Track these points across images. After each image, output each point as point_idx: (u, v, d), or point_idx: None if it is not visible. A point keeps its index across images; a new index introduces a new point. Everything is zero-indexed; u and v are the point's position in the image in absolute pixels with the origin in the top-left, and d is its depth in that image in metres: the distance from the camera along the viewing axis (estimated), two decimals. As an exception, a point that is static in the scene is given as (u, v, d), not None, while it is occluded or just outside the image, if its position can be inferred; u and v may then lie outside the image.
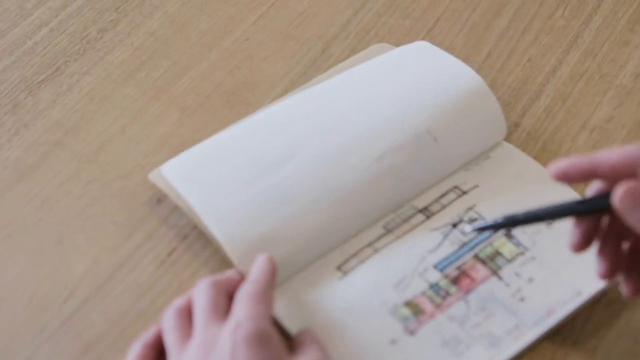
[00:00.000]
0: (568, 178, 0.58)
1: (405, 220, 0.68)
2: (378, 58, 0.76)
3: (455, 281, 0.65)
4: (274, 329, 0.57)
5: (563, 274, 0.65)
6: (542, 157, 0.74)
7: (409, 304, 0.64)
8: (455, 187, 0.70)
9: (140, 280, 0.67)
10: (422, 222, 0.68)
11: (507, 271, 0.65)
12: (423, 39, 0.82)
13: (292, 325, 0.63)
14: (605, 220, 0.59)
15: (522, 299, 0.64)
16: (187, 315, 0.60)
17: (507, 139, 0.75)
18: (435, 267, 0.66)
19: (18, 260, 0.69)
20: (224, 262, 0.67)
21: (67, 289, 0.67)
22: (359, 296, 0.64)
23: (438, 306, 0.63)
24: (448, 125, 0.71)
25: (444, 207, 0.69)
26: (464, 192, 0.70)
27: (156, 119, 0.79)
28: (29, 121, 0.79)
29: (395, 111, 0.71)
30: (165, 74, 0.81)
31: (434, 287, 0.65)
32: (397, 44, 0.80)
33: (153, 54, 0.83)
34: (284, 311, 0.64)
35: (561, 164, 0.58)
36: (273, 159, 0.68)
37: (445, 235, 0.67)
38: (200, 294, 0.60)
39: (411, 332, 0.62)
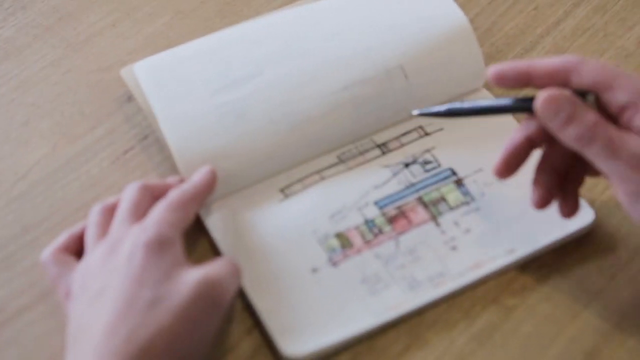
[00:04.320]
0: (505, 81, 0.58)
1: (361, 153, 0.68)
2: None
3: (391, 220, 0.64)
4: (180, 238, 0.57)
5: (502, 230, 0.63)
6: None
7: (339, 235, 0.63)
8: (420, 127, 0.69)
9: (91, 173, 0.69)
10: (377, 157, 0.68)
11: (446, 218, 0.64)
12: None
13: (221, 240, 0.64)
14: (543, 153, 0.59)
15: (453, 248, 0.63)
16: (111, 214, 0.61)
17: (489, 87, 0.73)
18: (376, 203, 0.65)
19: (-17, 135, 0.71)
20: (174, 169, 0.67)
21: (22, 171, 0.69)
22: (293, 220, 0.64)
23: (368, 242, 0.63)
24: (422, 64, 0.69)
25: (402, 145, 0.68)
26: (427, 134, 0.69)
27: (149, 17, 0.79)
28: (27, 3, 0.80)
29: (369, 42, 0.69)
30: (167, -26, 0.81)
31: (368, 223, 0.64)
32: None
33: (158, -48, 0.83)
34: (217, 225, 0.64)
35: (499, 65, 0.58)
36: (239, 74, 0.68)
37: (395, 174, 0.67)
38: (126, 195, 0.61)
39: (334, 264, 0.62)
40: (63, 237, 0.62)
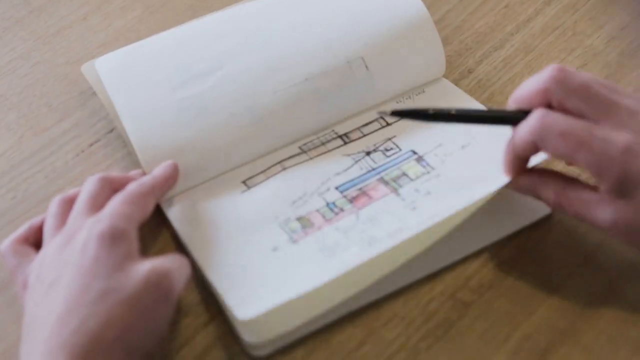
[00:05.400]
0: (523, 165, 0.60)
1: (323, 144, 0.68)
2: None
3: (352, 200, 0.64)
4: (135, 230, 0.58)
5: (463, 187, 0.63)
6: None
7: (300, 219, 0.64)
8: (381, 117, 0.69)
9: (55, 165, 0.69)
10: (338, 147, 0.68)
11: (407, 189, 0.65)
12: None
13: (183, 231, 0.64)
14: None
15: (413, 209, 0.63)
16: (70, 205, 0.61)
17: (457, 84, 0.73)
18: (337, 188, 0.65)
19: (-51, 127, 0.71)
20: (138, 163, 0.67)
21: (-14, 162, 0.69)
22: (254, 209, 0.65)
23: (328, 220, 0.63)
24: (383, 54, 0.69)
25: (364, 135, 0.69)
26: (388, 124, 0.69)
27: (120, 11, 0.79)
28: (-1, -5, 0.80)
29: (330, 34, 0.70)
30: (139, -32, 0.81)
31: (329, 205, 0.64)
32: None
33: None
34: (178, 216, 0.64)
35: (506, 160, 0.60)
36: (199, 68, 0.68)
37: (356, 161, 0.67)
38: (85, 187, 0.61)
39: (294, 241, 0.62)
40: (23, 228, 0.62)
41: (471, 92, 0.72)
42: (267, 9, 0.72)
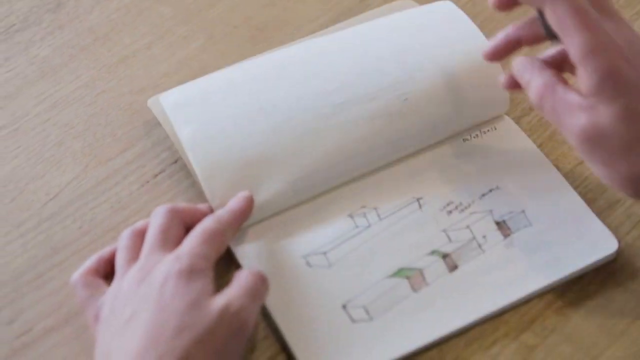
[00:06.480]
0: (501, 53, 0.64)
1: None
2: (394, 15, 0.75)
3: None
4: (212, 269, 0.59)
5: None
6: (547, 145, 0.72)
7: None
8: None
9: (120, 195, 0.70)
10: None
11: None
12: None
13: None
14: None
15: None
16: (141, 238, 0.62)
17: (518, 122, 0.73)
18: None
19: (17, 155, 0.72)
20: (201, 194, 0.68)
21: (53, 191, 0.70)
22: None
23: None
24: (446, 91, 0.70)
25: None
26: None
27: (182, 41, 0.80)
28: (65, 23, 0.82)
29: (393, 70, 0.70)
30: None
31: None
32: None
33: (194, -24, 0.84)
34: (245, 254, 0.65)
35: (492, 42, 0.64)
36: (267, 103, 0.69)
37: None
38: (155, 220, 0.62)
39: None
40: (92, 260, 0.63)
41: (533, 130, 0.73)
42: (328, 45, 0.73)
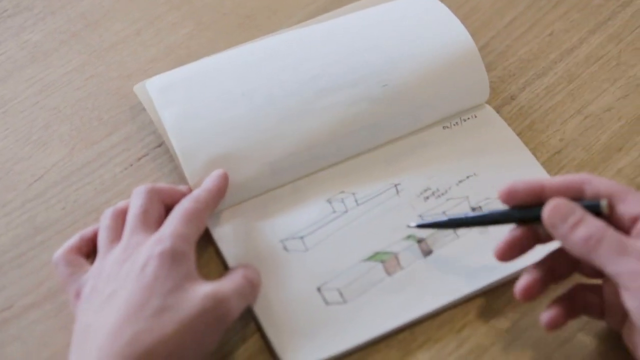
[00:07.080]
0: (517, 195, 0.59)
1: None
2: (378, 7, 0.76)
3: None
4: (194, 250, 0.59)
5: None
6: (526, 134, 0.73)
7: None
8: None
9: (104, 178, 0.71)
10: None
11: None
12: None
13: (228, 251, 0.65)
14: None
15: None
16: (123, 218, 0.63)
17: (498, 110, 0.74)
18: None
19: (5, 136, 0.74)
20: (183, 178, 0.69)
21: (39, 172, 0.71)
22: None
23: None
24: (427, 81, 0.71)
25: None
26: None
27: (171, 27, 0.81)
28: (57, 9, 0.83)
29: (375, 60, 0.71)
30: (192, -14, 0.83)
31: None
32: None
33: (185, -36, 0.85)
34: (223, 235, 0.66)
35: (511, 182, 0.59)
36: (248, 88, 0.70)
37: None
38: (135, 200, 0.63)
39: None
40: (75, 239, 0.64)
41: (513, 119, 0.73)
42: (312, 35, 0.74)
